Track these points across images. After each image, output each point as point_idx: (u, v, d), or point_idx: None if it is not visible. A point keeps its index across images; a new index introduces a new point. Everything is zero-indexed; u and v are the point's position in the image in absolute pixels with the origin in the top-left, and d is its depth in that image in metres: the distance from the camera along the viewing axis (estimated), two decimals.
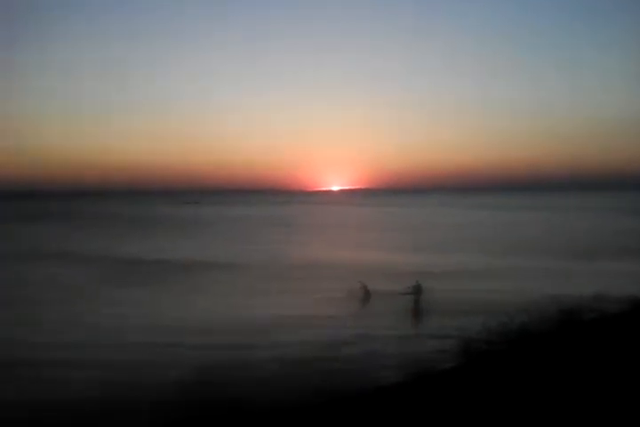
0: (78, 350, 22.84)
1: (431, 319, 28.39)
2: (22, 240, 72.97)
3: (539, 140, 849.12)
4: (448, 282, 36.83)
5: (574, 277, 38.49)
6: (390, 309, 30.20)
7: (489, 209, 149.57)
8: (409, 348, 22.45)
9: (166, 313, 30.09)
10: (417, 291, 32.54)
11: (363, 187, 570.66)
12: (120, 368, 20.47)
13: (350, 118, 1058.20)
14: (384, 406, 14.30)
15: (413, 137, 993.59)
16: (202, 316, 29.21)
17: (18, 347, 23.33)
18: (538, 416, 11.56)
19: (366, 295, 33.34)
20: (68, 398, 17.44)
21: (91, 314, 29.95)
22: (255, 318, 28.31)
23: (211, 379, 19.01)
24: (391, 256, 52.88)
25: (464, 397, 12.77)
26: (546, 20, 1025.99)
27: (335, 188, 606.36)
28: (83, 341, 24.37)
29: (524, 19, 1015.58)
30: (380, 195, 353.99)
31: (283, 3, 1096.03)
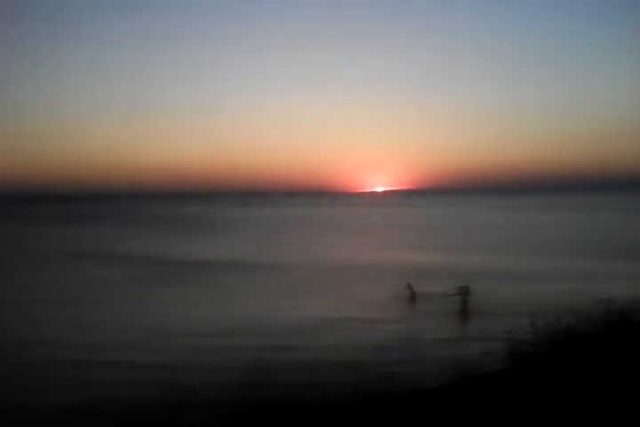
0: (126, 352, 23.29)
1: (478, 321, 28.24)
2: (71, 241, 74.65)
3: (570, 140, 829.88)
4: (494, 283, 36.56)
5: (620, 279, 37.73)
6: (437, 310, 30.20)
7: (528, 210, 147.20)
8: (455, 350, 22.43)
9: (211, 314, 30.50)
10: (464, 292, 32.46)
11: (406, 188, 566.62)
12: (170, 370, 20.76)
13: (393, 119, 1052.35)
14: (429, 408, 14.50)
15: (454, 138, 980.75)
16: (246, 317, 29.51)
17: (66, 348, 23.81)
18: (585, 420, 11.61)
19: (412, 297, 33.45)
20: (119, 399, 17.66)
21: (136, 315, 30.57)
22: (300, 319, 28.52)
23: (260, 380, 19.18)
24: (436, 257, 52.73)
25: (509, 400, 12.91)
26: (577, 20, 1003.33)
27: (379, 189, 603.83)
28: (129, 342, 24.83)
29: (556, 19, 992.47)
30: (424, 196, 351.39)
31: (314, 3, 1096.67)
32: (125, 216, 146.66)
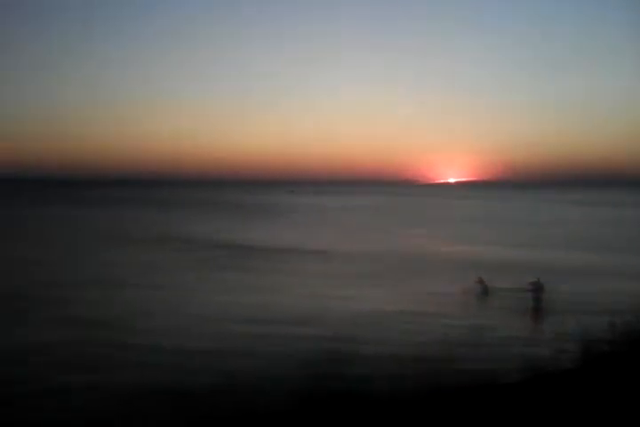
0: (182, 337, 23.49)
1: (551, 318, 27.50)
2: (133, 225, 75.98)
3: None
4: (568, 279, 35.50)
5: None
6: (508, 306, 29.55)
7: (600, 205, 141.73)
8: (526, 348, 21.91)
9: (267, 301, 30.46)
10: (537, 288, 31.72)
11: (479, 179, 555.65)
12: (226, 357, 20.83)
13: (467, 110, 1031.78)
14: (497, 404, 14.34)
15: (529, 130, 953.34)
16: (308, 305, 29.45)
17: (124, 331, 24.23)
18: None
19: (484, 291, 32.94)
20: (175, 385, 17.82)
21: (192, 300, 30.87)
22: (363, 310, 28.26)
23: (322, 371, 18.95)
24: (507, 251, 51.53)
25: (581, 400, 12.64)
26: None
27: (451, 180, 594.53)
28: (185, 327, 25.05)
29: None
30: (497, 187, 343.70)
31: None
32: (181, 202, 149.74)
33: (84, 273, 39.15)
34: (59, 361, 20.31)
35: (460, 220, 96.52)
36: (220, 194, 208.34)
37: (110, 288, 33.68)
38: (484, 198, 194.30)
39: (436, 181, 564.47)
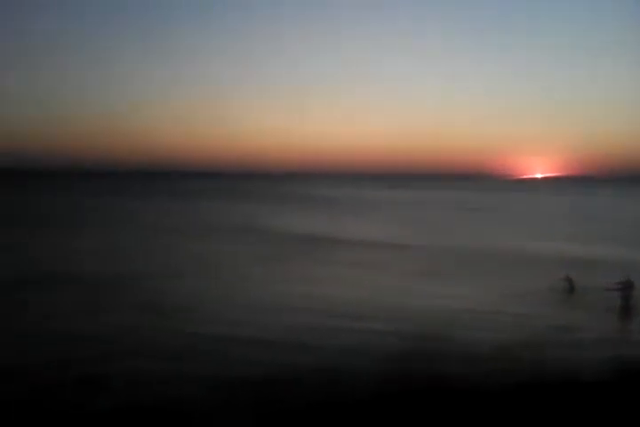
0: (267, 329, 23.52)
1: None
2: (226, 216, 75.90)
3: None
4: None
5: None
6: (596, 305, 28.71)
7: None
8: (614, 348, 21.64)
9: (342, 295, 30.24)
10: (627, 287, 30.78)
11: (567, 174, 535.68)
12: (308, 350, 20.77)
13: (554, 104, 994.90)
14: (582, 400, 14.33)
15: (619, 126, 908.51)
16: (386, 300, 29.10)
17: (200, 322, 24.50)
18: None
19: (570, 289, 32.27)
20: (252, 377, 17.87)
21: (272, 291, 30.96)
22: (446, 307, 27.89)
23: (403, 367, 18.91)
24: (595, 248, 50.03)
25: None
26: None
27: (538, 175, 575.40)
28: (268, 319, 25.09)
29: None
30: (584, 183, 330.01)
31: None
32: (277, 195, 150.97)
33: (172, 263, 40.47)
34: (138, 348, 20.80)
35: (546, 215, 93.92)
36: (310, 188, 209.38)
37: (192, 278, 34.69)
38: (571, 194, 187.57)
39: (524, 177, 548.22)
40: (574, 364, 19.42)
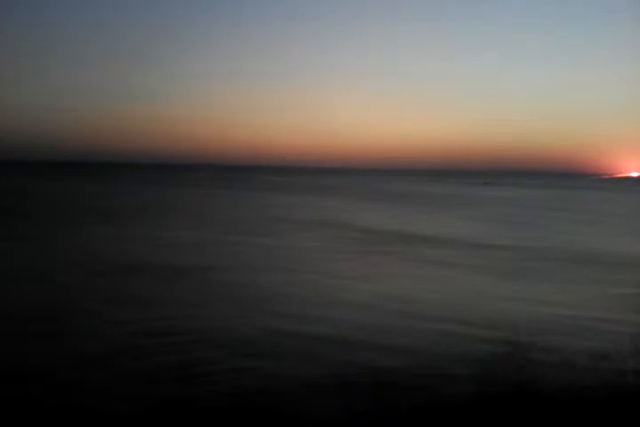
0: (366, 330, 22.37)
1: None
2: (306, 210, 74.10)
3: None
4: None
5: None
6: None
7: None
8: None
9: (424, 295, 28.54)
10: None
11: None
12: (387, 352, 19.76)
13: None
14: None
15: None
16: (472, 303, 27.21)
17: (270, 318, 23.65)
18: None
19: None
20: (338, 378, 17.14)
21: (361, 290, 29.59)
22: (539, 312, 25.56)
23: (499, 375, 17.82)
24: None
25: None
26: None
27: (635, 174, 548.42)
28: (366, 320, 23.86)
29: None
30: None
31: None
32: (361, 190, 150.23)
33: (253, 256, 39.97)
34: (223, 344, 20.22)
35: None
36: (390, 184, 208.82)
37: (275, 273, 33.85)
38: None
39: (619, 175, 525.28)
40: None
